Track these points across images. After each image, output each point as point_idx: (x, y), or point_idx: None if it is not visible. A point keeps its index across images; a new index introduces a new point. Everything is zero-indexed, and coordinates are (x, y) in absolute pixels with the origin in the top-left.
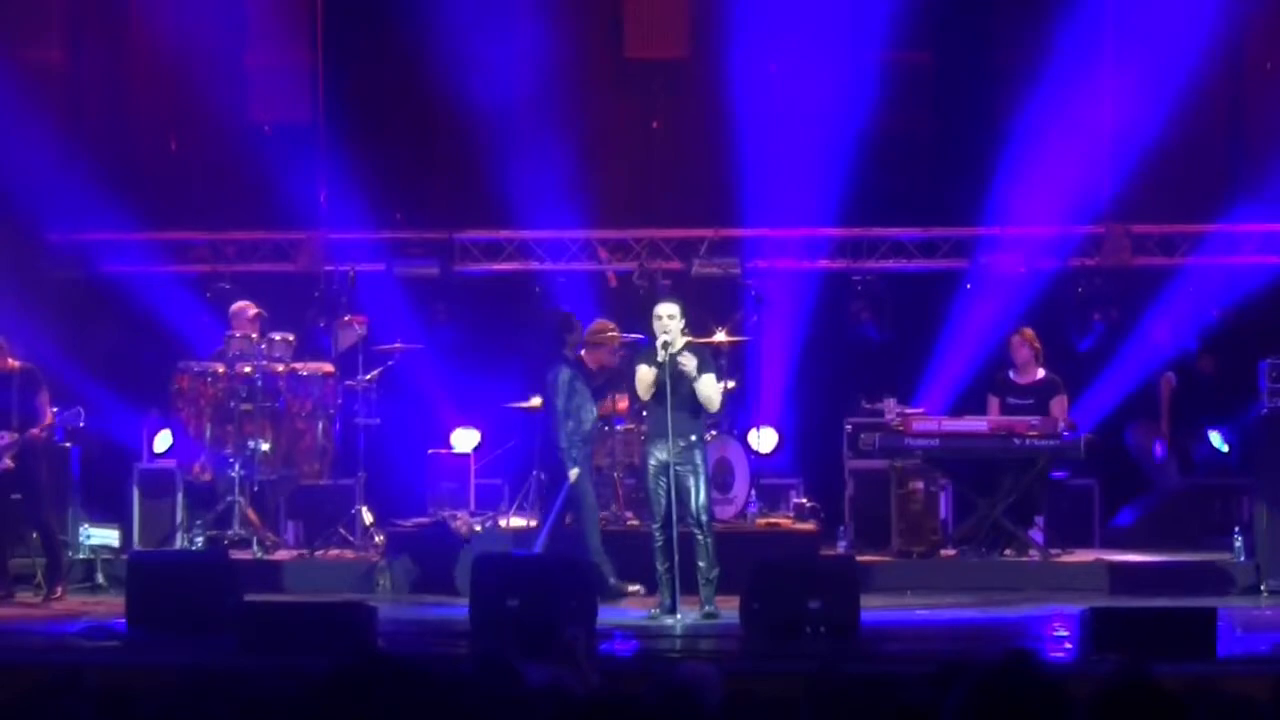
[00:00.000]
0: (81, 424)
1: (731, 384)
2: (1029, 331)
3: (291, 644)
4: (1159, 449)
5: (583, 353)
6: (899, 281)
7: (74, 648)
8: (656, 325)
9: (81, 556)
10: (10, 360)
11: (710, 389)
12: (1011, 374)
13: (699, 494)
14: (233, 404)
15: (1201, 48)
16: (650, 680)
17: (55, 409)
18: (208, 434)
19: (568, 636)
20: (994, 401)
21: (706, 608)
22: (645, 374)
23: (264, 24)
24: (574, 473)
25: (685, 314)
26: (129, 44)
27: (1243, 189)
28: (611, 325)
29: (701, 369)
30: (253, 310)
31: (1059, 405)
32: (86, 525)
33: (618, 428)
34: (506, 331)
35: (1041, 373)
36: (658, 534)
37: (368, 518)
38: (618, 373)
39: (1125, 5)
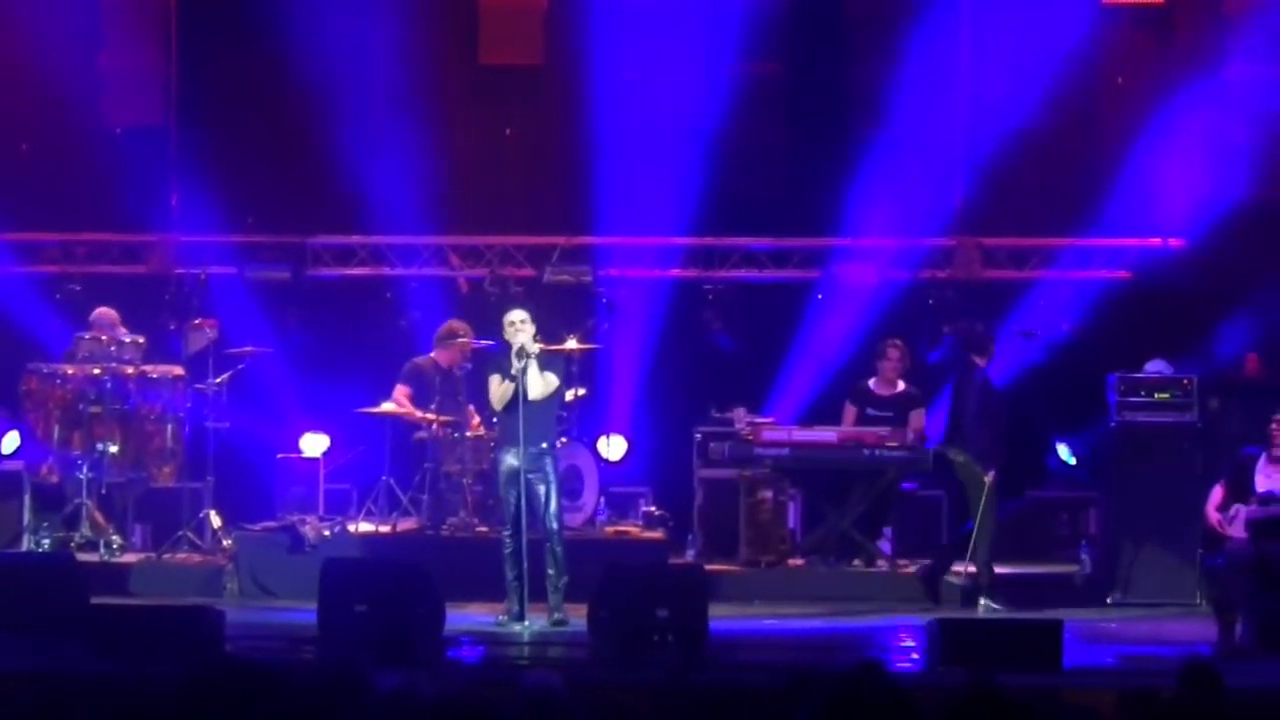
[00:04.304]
0: None
1: (582, 391)
2: (899, 344)
3: (139, 647)
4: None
5: (433, 353)
6: (750, 291)
7: None
8: (509, 331)
9: None
10: None
11: (543, 384)
12: (872, 384)
13: (550, 501)
14: (81, 406)
15: (1054, 63)
16: (496, 688)
17: None
18: (56, 436)
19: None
20: (851, 410)
21: (555, 615)
22: (500, 384)
23: (117, 27)
24: (991, 474)
25: (535, 320)
26: None
27: (1094, 204)
28: (462, 327)
29: (549, 369)
30: (117, 318)
31: (917, 418)
32: None
33: (466, 434)
34: (358, 336)
35: (902, 385)
36: (507, 541)
37: (216, 521)
38: (468, 378)
39: (978, 19)
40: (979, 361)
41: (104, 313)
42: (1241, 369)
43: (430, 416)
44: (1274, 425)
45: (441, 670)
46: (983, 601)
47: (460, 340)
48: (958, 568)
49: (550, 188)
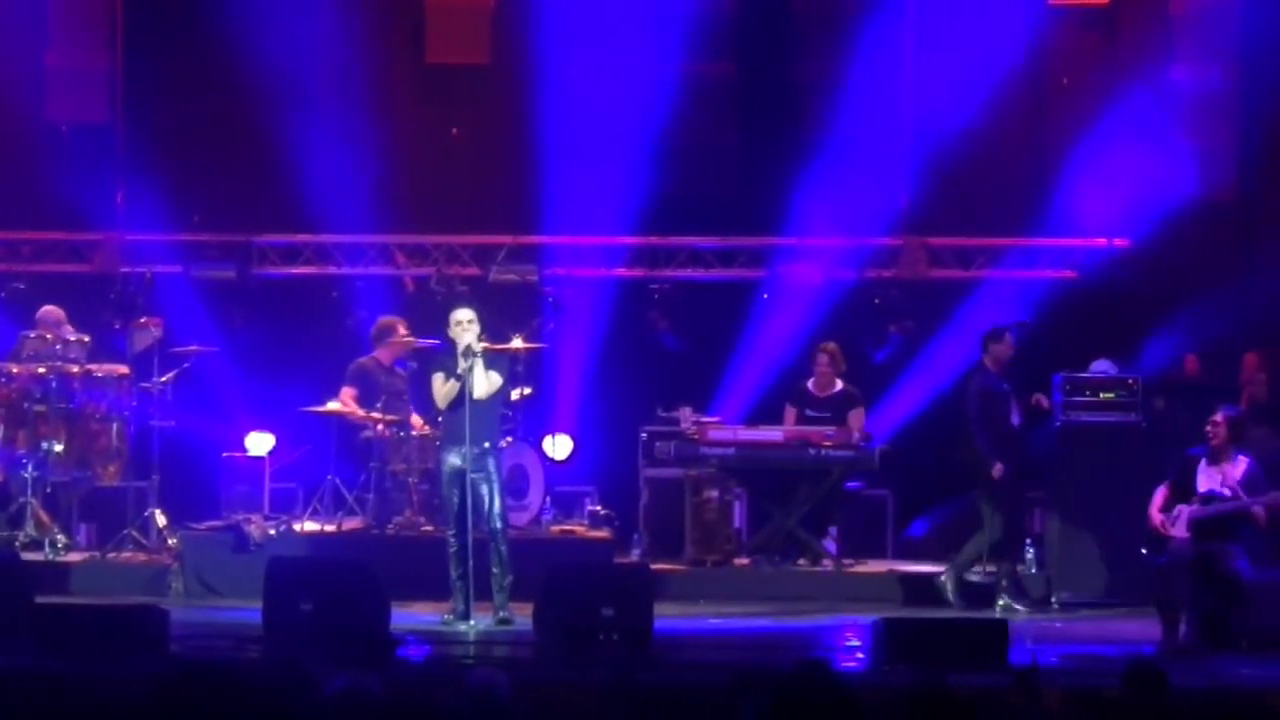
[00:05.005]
0: None
1: (528, 390)
2: (832, 346)
3: (84, 647)
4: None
5: (375, 353)
6: (696, 290)
7: None
8: (455, 330)
9: None
10: None
11: (488, 383)
12: (810, 385)
13: (494, 500)
14: (26, 405)
15: (1000, 63)
16: (441, 687)
17: None
18: (0, 434)
19: None
20: (791, 412)
21: (500, 614)
22: (444, 384)
23: (63, 24)
24: (999, 468)
25: (481, 319)
26: None
27: (1039, 204)
28: (396, 321)
29: (494, 369)
30: (62, 316)
31: (856, 417)
32: None
33: (412, 433)
34: (303, 336)
35: (840, 385)
36: (452, 540)
37: (161, 520)
38: (412, 377)
39: (925, 20)
40: (988, 364)
41: (49, 311)
42: (1183, 369)
43: (375, 416)
44: (1208, 427)
45: (387, 669)
46: (946, 585)
47: (400, 336)
48: (983, 569)
49: (497, 187)
